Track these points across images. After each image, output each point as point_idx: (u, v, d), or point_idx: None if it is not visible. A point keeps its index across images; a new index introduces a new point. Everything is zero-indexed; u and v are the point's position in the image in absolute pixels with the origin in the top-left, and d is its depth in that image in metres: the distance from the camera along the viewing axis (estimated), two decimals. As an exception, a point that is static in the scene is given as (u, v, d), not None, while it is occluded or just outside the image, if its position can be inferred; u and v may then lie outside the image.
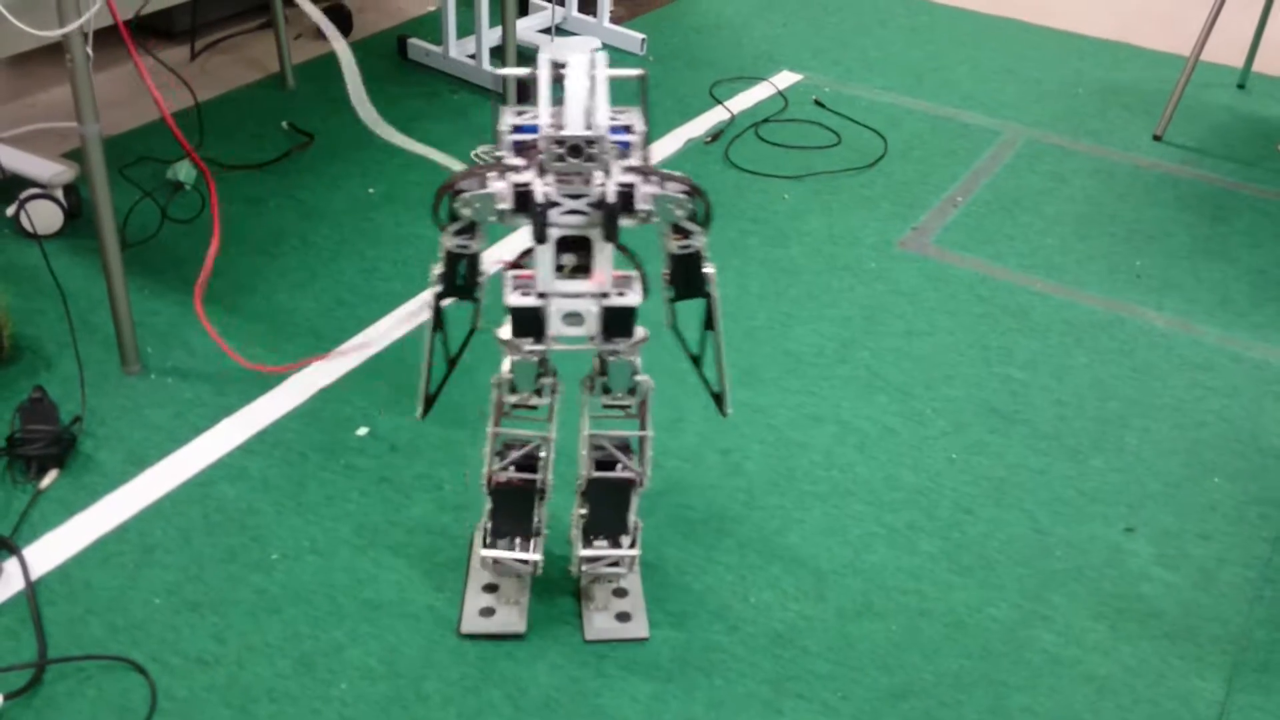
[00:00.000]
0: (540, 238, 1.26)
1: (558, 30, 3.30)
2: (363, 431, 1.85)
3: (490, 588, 1.56)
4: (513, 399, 1.42)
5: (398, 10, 3.47)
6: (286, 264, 2.26)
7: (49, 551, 1.61)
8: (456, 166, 2.00)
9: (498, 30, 2.93)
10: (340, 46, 1.91)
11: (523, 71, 1.32)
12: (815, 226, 2.49)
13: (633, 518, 1.50)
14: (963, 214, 2.56)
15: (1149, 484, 1.84)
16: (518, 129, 1.29)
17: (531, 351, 1.35)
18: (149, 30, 3.07)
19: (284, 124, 2.74)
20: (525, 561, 1.51)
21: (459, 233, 1.29)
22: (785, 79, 3.14)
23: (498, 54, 3.02)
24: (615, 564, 1.52)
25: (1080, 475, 1.85)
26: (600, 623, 1.53)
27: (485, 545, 1.51)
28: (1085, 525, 1.75)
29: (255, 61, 3.09)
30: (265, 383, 1.93)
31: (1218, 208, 2.63)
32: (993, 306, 2.25)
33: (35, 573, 1.58)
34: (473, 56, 3.02)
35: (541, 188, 1.24)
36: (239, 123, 2.76)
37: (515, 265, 1.35)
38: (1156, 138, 2.92)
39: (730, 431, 1.89)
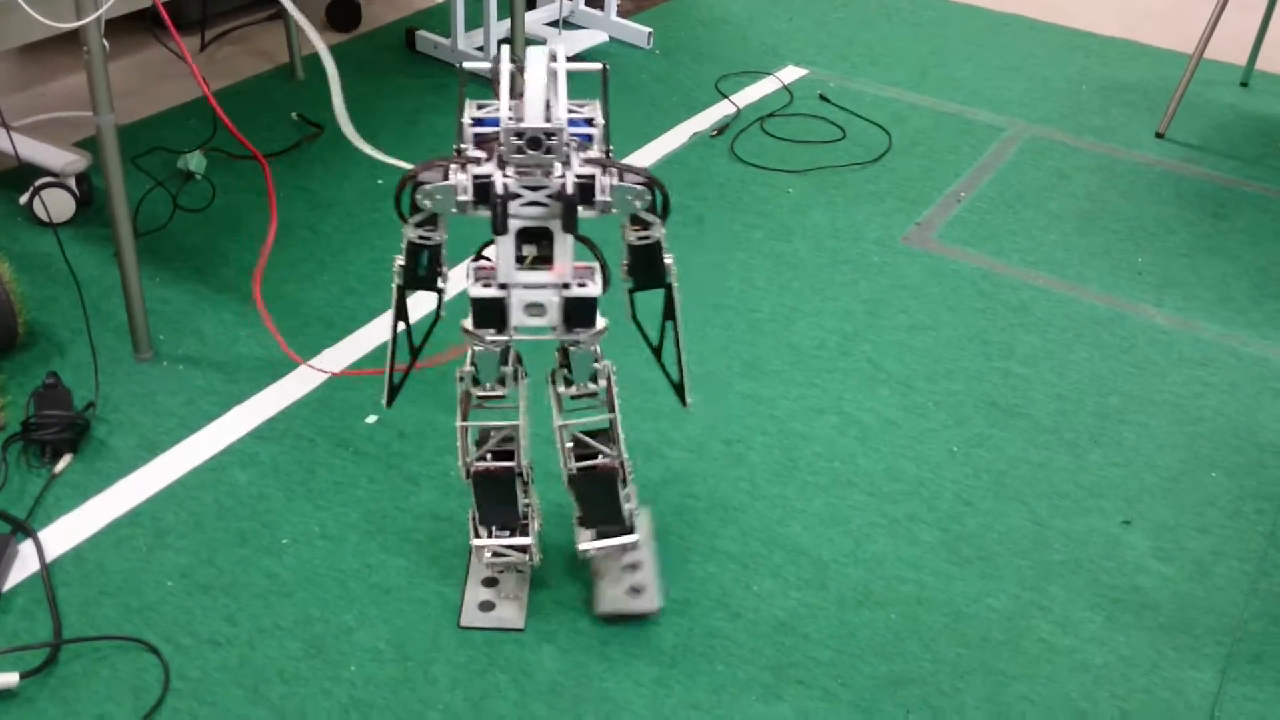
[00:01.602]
0: (500, 229, 1.28)
1: (565, 23, 3.32)
2: (371, 419, 1.88)
3: (490, 582, 1.59)
4: (479, 391, 1.44)
5: (406, 2, 3.50)
6: (296, 254, 2.28)
7: (63, 534, 1.64)
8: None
9: (506, 22, 2.95)
10: (326, 56, 1.94)
11: (485, 66, 1.34)
12: (819, 221, 2.51)
13: (626, 505, 1.52)
14: (966, 209, 2.58)
15: (1147, 478, 1.86)
16: (479, 122, 1.30)
17: (494, 342, 1.37)
18: (160, 20, 3.09)
19: (293, 115, 2.77)
20: (517, 548, 1.53)
21: (421, 224, 1.31)
22: (791, 74, 3.16)
23: (509, 46, 3.04)
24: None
25: (1079, 469, 1.87)
26: (612, 596, 1.56)
27: (475, 535, 1.54)
28: (1083, 518, 1.78)
29: (265, 52, 3.11)
30: (276, 370, 1.96)
31: (1219, 205, 2.65)
32: (994, 301, 2.27)
33: (50, 555, 1.60)
34: (481, 49, 3.04)
35: (501, 180, 1.26)
36: (249, 113, 2.78)
37: (477, 257, 1.37)
38: (1159, 135, 2.94)
39: (733, 422, 1.92)
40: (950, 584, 1.65)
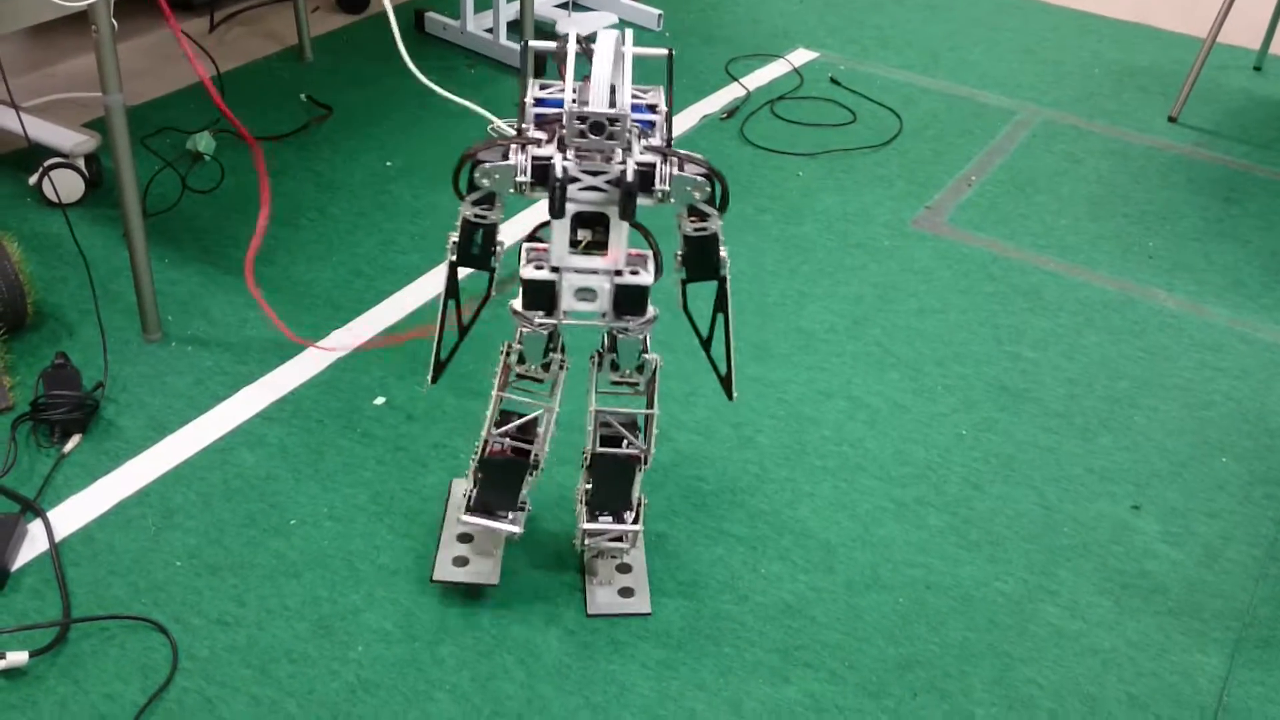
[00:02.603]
0: (557, 212, 1.27)
1: (574, 5, 3.31)
2: (380, 401, 1.88)
3: (465, 538, 1.59)
4: (519, 369, 1.43)
5: (415, -16, 3.48)
6: (305, 236, 2.28)
7: (72, 514, 1.65)
8: (491, 117, 2.00)
9: (515, 5, 2.94)
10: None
11: (551, 45, 1.33)
12: (829, 204, 2.50)
13: (636, 494, 1.51)
14: (977, 193, 2.57)
15: (1157, 463, 1.86)
16: (541, 102, 1.30)
17: (542, 324, 1.37)
18: (169, 1, 3.08)
19: (302, 96, 2.76)
20: (506, 533, 1.54)
21: (477, 202, 1.31)
22: (801, 56, 3.15)
23: (515, 28, 3.03)
24: (619, 539, 1.54)
25: (1089, 453, 1.86)
26: (603, 598, 1.56)
27: (467, 510, 1.54)
28: (1093, 502, 1.77)
29: (273, 34, 3.10)
30: (284, 351, 1.96)
31: (1231, 190, 2.64)
32: (1005, 285, 2.26)
33: (59, 534, 1.61)
34: (490, 31, 3.03)
35: (561, 162, 1.25)
36: (257, 95, 2.78)
37: (532, 237, 1.37)
38: (1171, 119, 2.92)
39: (742, 406, 1.91)
40: (958, 568, 1.65)
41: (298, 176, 2.47)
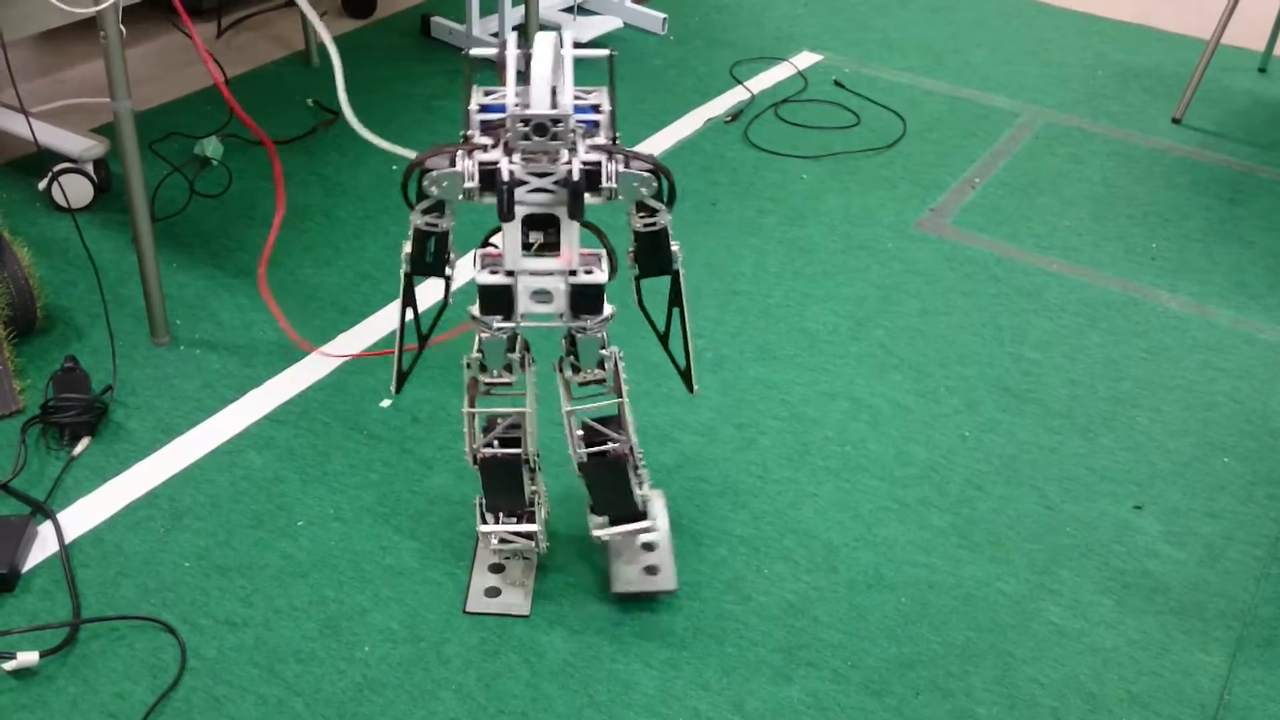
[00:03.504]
0: (506, 216, 1.28)
1: (579, 9, 3.32)
2: (386, 403, 1.89)
3: (496, 568, 1.60)
4: (485, 378, 1.44)
5: (421, -12, 3.50)
6: (311, 239, 2.30)
7: (82, 516, 1.66)
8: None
9: (520, 9, 2.96)
10: (331, 48, 1.96)
11: (491, 52, 1.34)
12: (833, 206, 2.51)
13: (638, 491, 1.52)
14: (980, 195, 2.58)
15: (1159, 463, 1.86)
16: (485, 108, 1.31)
17: (500, 329, 1.38)
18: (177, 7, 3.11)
19: (309, 101, 2.78)
20: (523, 535, 1.55)
21: (427, 211, 1.32)
22: (805, 59, 3.16)
23: (521, 33, 3.05)
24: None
25: (1091, 453, 1.87)
26: (628, 575, 1.57)
27: (482, 520, 1.55)
28: (1095, 502, 1.78)
29: (280, 39, 3.12)
30: (291, 355, 1.97)
31: (1235, 191, 2.64)
32: (1008, 287, 2.27)
33: (69, 536, 1.63)
34: (496, 34, 3.04)
35: (507, 166, 1.26)
36: (264, 99, 2.80)
37: (485, 244, 1.38)
38: (1175, 121, 2.92)
39: (745, 407, 1.92)
40: (960, 567, 1.66)
41: (304, 181, 2.49)
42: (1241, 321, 2.20)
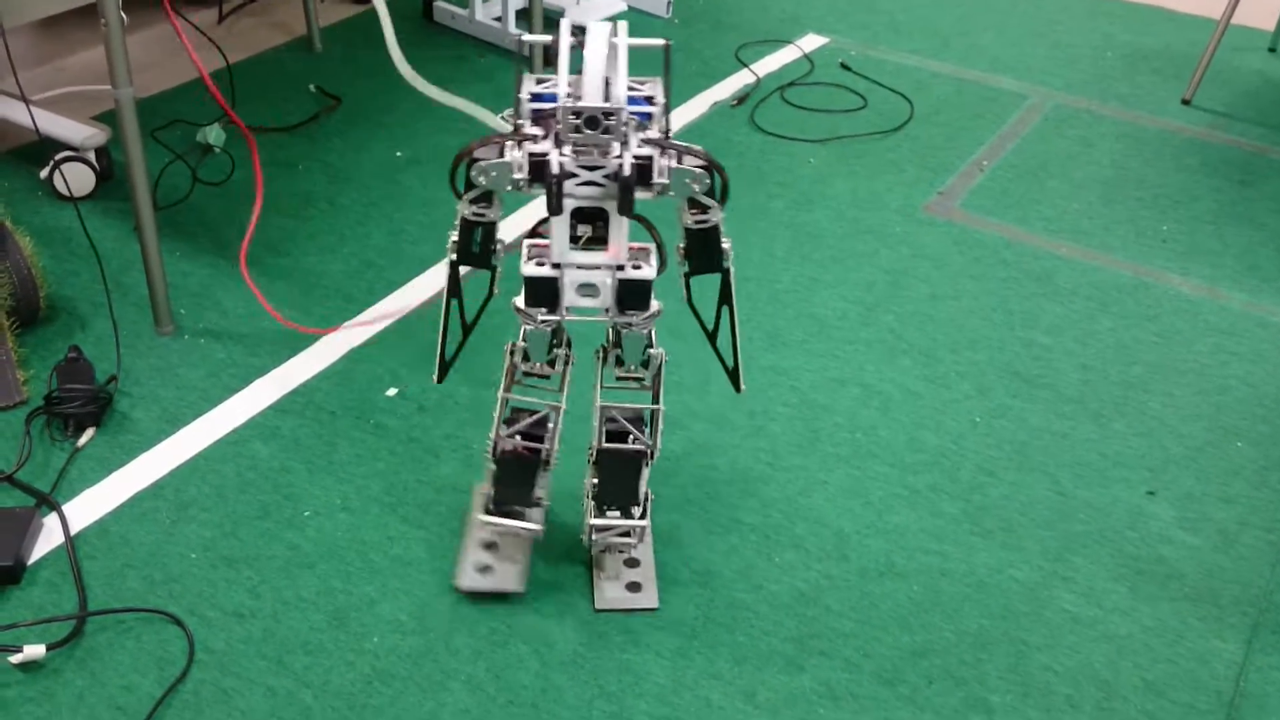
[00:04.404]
0: (555, 209, 1.26)
1: (583, -7, 3.29)
2: (392, 392, 1.88)
3: (489, 545, 1.58)
4: (525, 367, 1.43)
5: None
6: (315, 227, 2.28)
7: (88, 507, 1.65)
8: (489, 119, 2.01)
9: (524, -7, 2.93)
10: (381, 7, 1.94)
11: (545, 38, 1.32)
12: (840, 190, 2.49)
13: (643, 489, 1.51)
14: (989, 178, 2.56)
15: (1172, 448, 1.85)
16: (537, 97, 1.29)
17: (545, 321, 1.36)
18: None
19: (311, 87, 2.76)
20: (524, 530, 1.53)
21: (475, 200, 1.30)
22: (811, 42, 3.13)
23: (523, 16, 3.03)
24: (626, 534, 1.54)
25: (1103, 439, 1.86)
26: (610, 592, 1.55)
27: (486, 512, 1.54)
28: (1107, 488, 1.77)
29: (282, 24, 3.10)
30: (297, 343, 1.96)
31: (1246, 172, 2.62)
32: (1018, 271, 2.25)
33: (74, 528, 1.61)
34: (499, 19, 3.02)
35: (557, 158, 1.24)
36: (267, 86, 2.78)
37: (533, 234, 1.36)
38: (1185, 102, 2.90)
39: (754, 394, 1.91)
40: (973, 555, 1.65)
41: (308, 168, 2.47)
42: (1254, 305, 2.18)
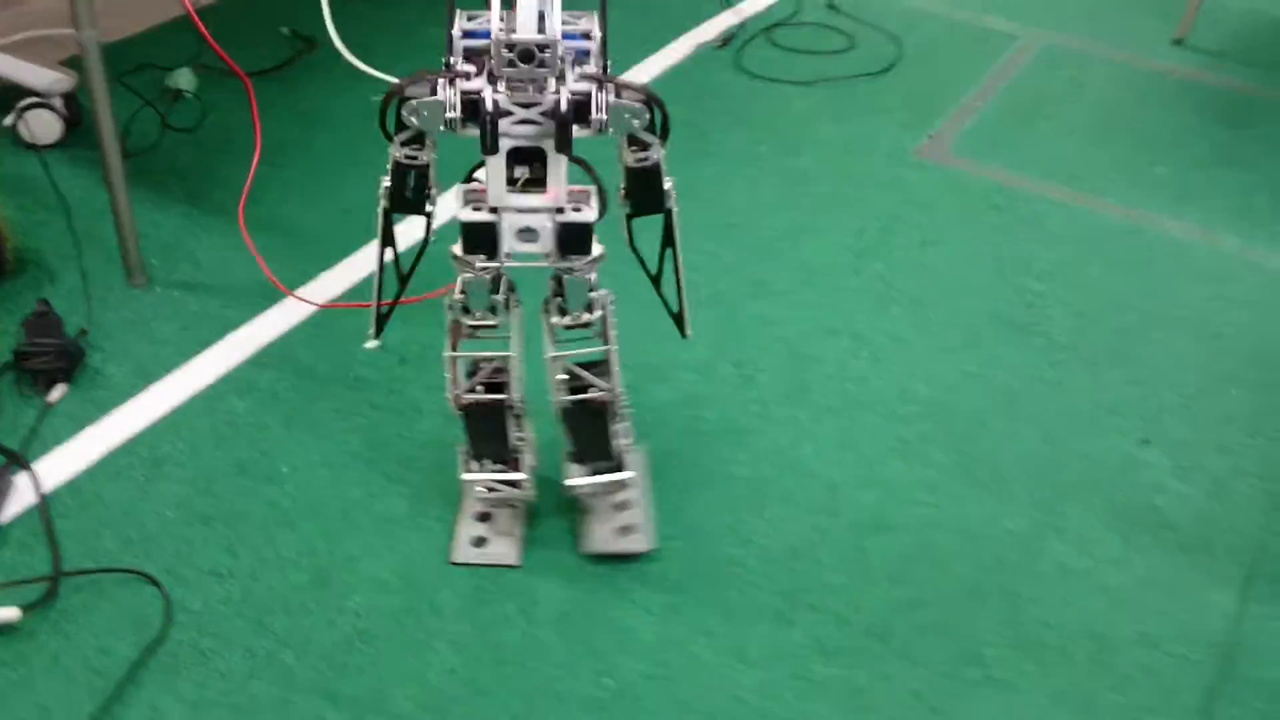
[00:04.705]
0: (490, 148, 1.21)
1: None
2: (371, 345, 1.82)
3: (483, 516, 1.55)
4: (469, 320, 1.38)
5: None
6: (290, 174, 2.22)
7: (59, 465, 1.61)
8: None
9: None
10: None
11: None
12: (829, 134, 2.44)
13: (618, 441, 1.47)
14: (979, 121, 2.51)
15: (1165, 396, 1.82)
16: (469, 34, 1.23)
17: (484, 269, 1.31)
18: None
19: (284, 29, 2.68)
20: (510, 483, 1.50)
21: (407, 143, 1.25)
22: (797, -19, 3.06)
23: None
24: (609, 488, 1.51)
25: (1096, 387, 1.83)
26: (600, 535, 1.52)
27: (466, 469, 1.50)
28: (1100, 438, 1.74)
29: (254, -35, 3.01)
30: (272, 295, 1.91)
31: (1239, 114, 2.58)
32: (1009, 216, 2.21)
33: (46, 487, 1.57)
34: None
35: (492, 96, 1.19)
36: (238, 29, 2.70)
37: (469, 179, 1.31)
38: (1177, 42, 2.85)
39: (743, 343, 1.87)
40: (964, 506, 1.62)
41: (281, 114, 2.40)
42: (1248, 249, 2.15)
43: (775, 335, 1.90)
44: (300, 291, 1.92)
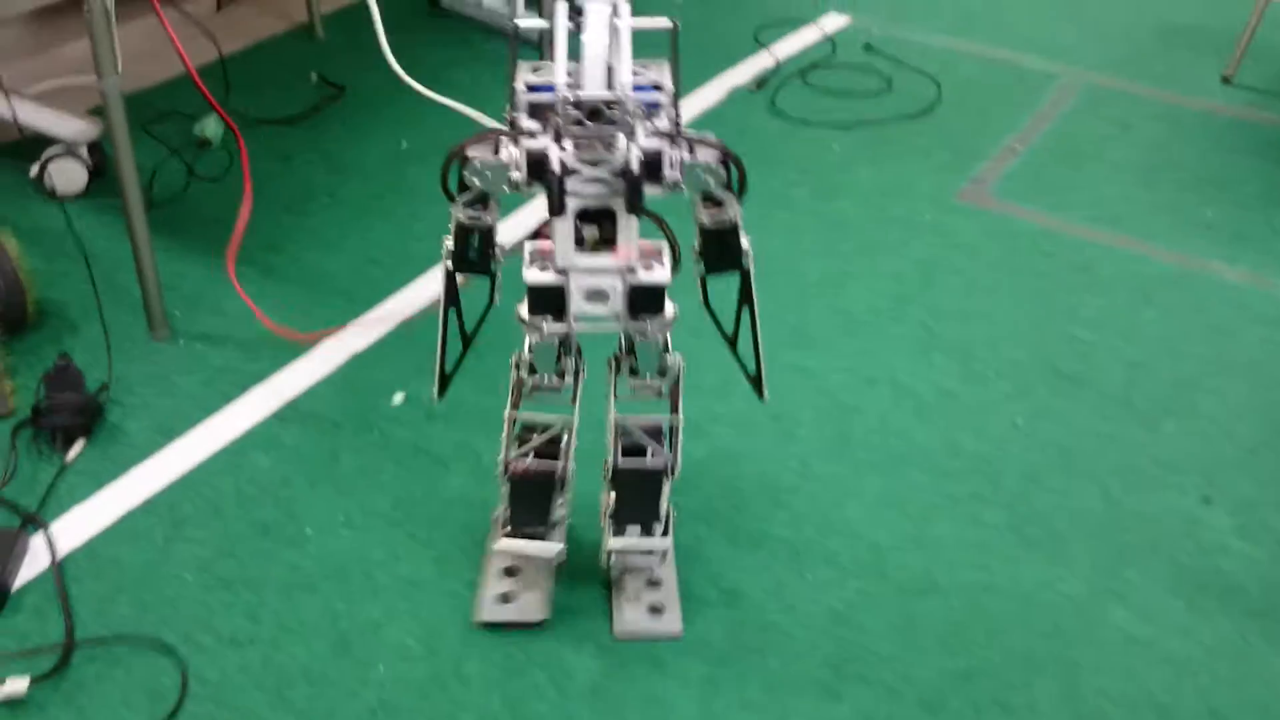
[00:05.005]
0: (557, 209, 1.14)
1: (594, -26, 3.17)
2: (399, 399, 1.78)
3: (511, 571, 1.48)
4: (533, 381, 1.32)
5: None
6: (316, 222, 2.18)
7: (76, 526, 1.56)
8: (485, 120, 1.91)
9: (533, -25, 2.82)
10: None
11: (541, 23, 1.20)
12: (867, 177, 2.38)
13: (664, 507, 1.40)
14: (1022, 163, 2.44)
15: (1226, 450, 1.74)
16: (533, 89, 1.17)
17: (551, 331, 1.26)
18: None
19: (313, 76, 2.66)
20: (543, 554, 1.43)
21: (470, 204, 1.19)
22: (833, 22, 3.01)
23: (532, 3, 2.91)
24: (648, 552, 1.44)
25: (1152, 441, 1.75)
26: (630, 616, 1.44)
27: (503, 535, 1.44)
28: (1159, 494, 1.66)
29: (283, 12, 2.99)
30: (297, 348, 1.86)
31: (1291, 153, 2.50)
32: (1056, 261, 2.14)
33: (62, 549, 1.52)
34: (508, 3, 2.91)
35: (558, 154, 1.13)
36: (266, 76, 2.67)
37: (536, 235, 1.25)
38: (1225, 79, 2.77)
39: (781, 396, 1.80)
40: (1018, 569, 1.54)
41: (309, 160, 2.37)
42: (1307, 294, 2.07)
43: (814, 386, 1.83)
44: (326, 344, 1.87)
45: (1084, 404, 1.81)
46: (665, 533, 1.42)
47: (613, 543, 1.41)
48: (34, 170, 2.18)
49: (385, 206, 2.23)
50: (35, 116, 2.21)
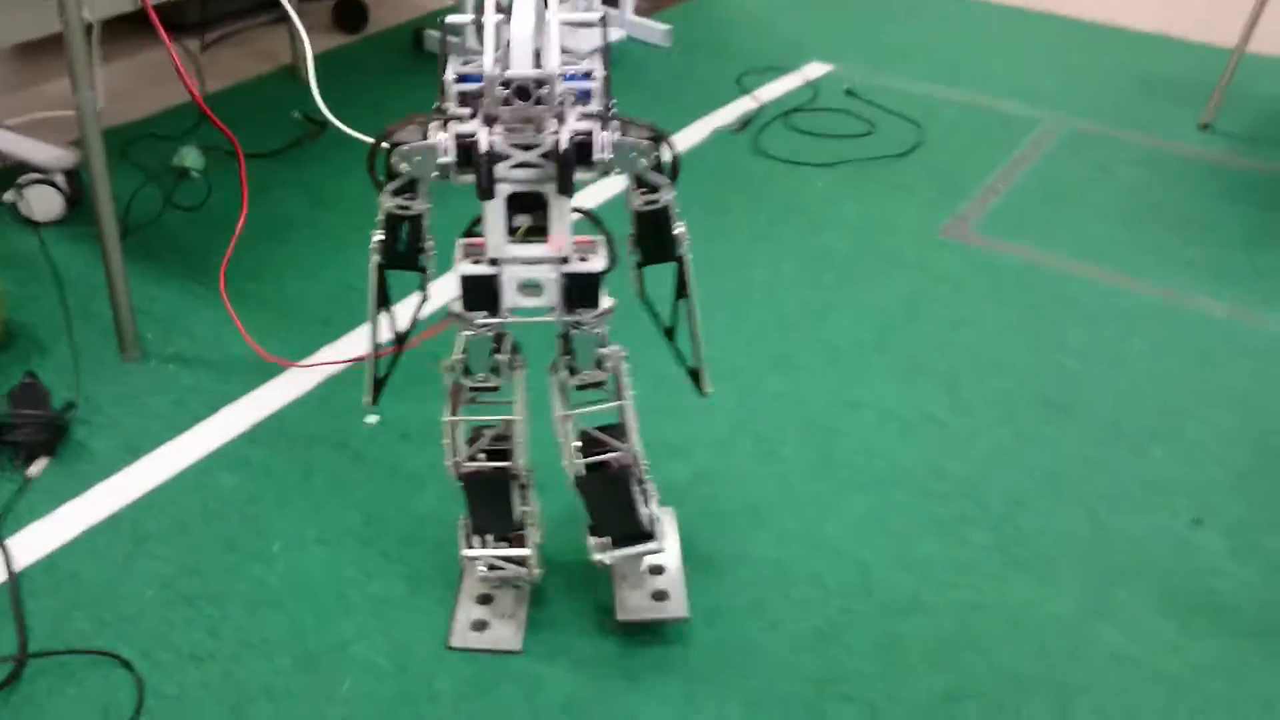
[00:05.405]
0: (486, 193, 1.12)
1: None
2: (372, 420, 1.74)
3: (484, 599, 1.44)
4: (470, 382, 1.28)
5: (413, 4, 3.39)
6: (296, 251, 2.16)
7: (35, 542, 1.51)
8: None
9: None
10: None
11: (467, 17, 1.19)
12: (850, 214, 2.37)
13: (644, 509, 1.35)
14: (1005, 202, 2.44)
15: (1216, 474, 1.71)
16: (463, 79, 1.15)
17: (485, 325, 1.22)
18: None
19: (295, 114, 2.65)
20: (514, 560, 1.39)
21: (399, 191, 1.17)
22: (815, 69, 3.03)
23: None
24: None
25: (1141, 466, 1.72)
26: (634, 602, 1.40)
27: (467, 544, 1.39)
28: (1148, 517, 1.62)
29: (266, 54, 3.00)
30: (269, 370, 1.82)
31: (1270, 196, 2.50)
32: (1041, 295, 2.12)
33: (19, 564, 1.47)
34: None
35: (487, 138, 1.11)
36: (249, 112, 2.67)
37: (468, 234, 1.23)
38: (1204, 126, 2.79)
39: (763, 418, 1.77)
40: (1005, 588, 1.50)
41: (290, 192, 2.35)
42: (1292, 327, 2.06)
43: (797, 410, 1.80)
44: (297, 367, 1.84)
45: (1071, 430, 1.78)
46: (651, 535, 1.37)
47: (596, 557, 1.37)
48: (9, 196, 2.15)
49: (365, 237, 2.19)
50: (13, 145, 2.20)
